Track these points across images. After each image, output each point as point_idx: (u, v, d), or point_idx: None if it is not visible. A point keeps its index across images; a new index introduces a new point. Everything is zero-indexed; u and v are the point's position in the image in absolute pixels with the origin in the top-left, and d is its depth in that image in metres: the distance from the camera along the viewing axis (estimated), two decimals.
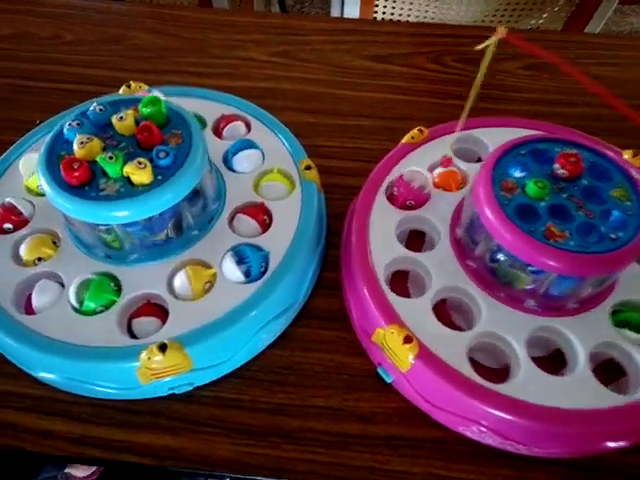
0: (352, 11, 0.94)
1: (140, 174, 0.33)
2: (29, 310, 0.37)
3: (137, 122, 0.36)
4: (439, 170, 0.43)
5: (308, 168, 0.44)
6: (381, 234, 0.40)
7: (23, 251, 0.38)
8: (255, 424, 0.36)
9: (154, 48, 0.63)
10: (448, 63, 0.63)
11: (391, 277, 0.40)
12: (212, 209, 0.40)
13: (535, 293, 0.36)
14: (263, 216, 0.41)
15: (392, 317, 0.35)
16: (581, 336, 0.35)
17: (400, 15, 0.97)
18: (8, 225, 0.40)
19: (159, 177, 0.34)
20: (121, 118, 0.35)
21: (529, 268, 0.34)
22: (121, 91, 0.48)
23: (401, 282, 0.41)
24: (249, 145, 0.44)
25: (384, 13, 0.97)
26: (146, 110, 0.36)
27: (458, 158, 0.44)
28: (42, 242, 0.38)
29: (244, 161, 0.44)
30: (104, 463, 0.35)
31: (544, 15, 0.98)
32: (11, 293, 0.36)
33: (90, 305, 0.35)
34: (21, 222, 0.40)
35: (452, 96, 0.59)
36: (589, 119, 0.56)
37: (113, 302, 0.36)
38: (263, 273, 0.38)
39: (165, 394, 0.36)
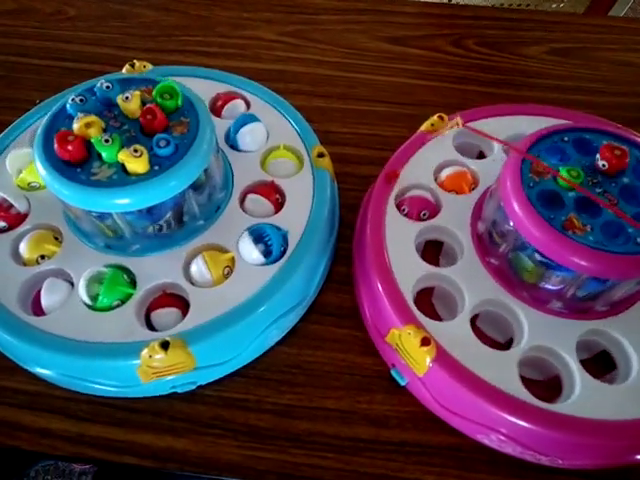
0: None
1: (134, 163, 0.31)
2: (37, 311, 0.34)
3: (144, 104, 0.33)
4: (448, 171, 0.40)
5: (321, 155, 0.41)
6: (397, 227, 0.37)
7: (23, 250, 0.36)
8: (261, 426, 0.35)
9: (160, 26, 0.60)
10: (470, 47, 0.60)
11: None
12: (220, 196, 0.38)
13: (560, 294, 0.33)
14: (275, 195, 0.39)
15: (409, 317, 0.33)
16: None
17: None
18: (2, 223, 0.37)
19: (156, 167, 0.31)
20: (127, 98, 0.33)
21: (548, 263, 0.32)
22: (124, 70, 0.45)
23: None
24: (251, 119, 0.42)
25: None
26: (161, 101, 0.33)
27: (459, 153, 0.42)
28: (43, 239, 0.36)
29: (247, 136, 0.41)
30: (102, 463, 0.33)
31: None
32: (16, 294, 0.34)
33: (104, 301, 0.33)
34: (17, 218, 0.37)
35: (474, 82, 0.56)
36: (618, 108, 0.53)
37: (129, 295, 0.34)
38: (282, 254, 0.36)
39: (167, 393, 0.34)
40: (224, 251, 0.36)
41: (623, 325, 0.33)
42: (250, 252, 0.35)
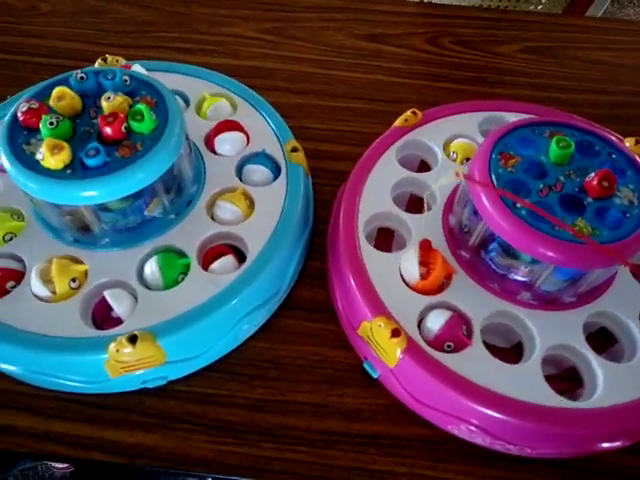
0: None
1: (49, 157, 0.30)
2: None
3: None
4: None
5: (294, 150, 0.41)
6: (370, 222, 0.38)
7: None
8: (233, 421, 0.34)
9: (136, 22, 0.59)
10: (445, 45, 0.60)
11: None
12: (190, 192, 0.38)
13: (528, 285, 0.34)
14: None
15: (379, 308, 0.33)
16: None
17: None
18: None
19: (119, 162, 0.31)
20: (109, 98, 0.33)
21: (515, 254, 0.32)
22: (96, 65, 0.45)
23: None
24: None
25: None
26: (133, 123, 0.32)
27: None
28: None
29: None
30: (70, 460, 0.32)
31: (543, 0, 0.96)
32: None
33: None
34: None
35: (448, 79, 0.57)
36: (588, 106, 0.54)
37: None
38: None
39: (137, 388, 0.34)
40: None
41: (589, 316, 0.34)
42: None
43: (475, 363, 0.32)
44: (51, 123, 0.31)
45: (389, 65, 0.58)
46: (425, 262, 0.35)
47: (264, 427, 0.34)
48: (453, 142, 0.42)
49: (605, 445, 0.32)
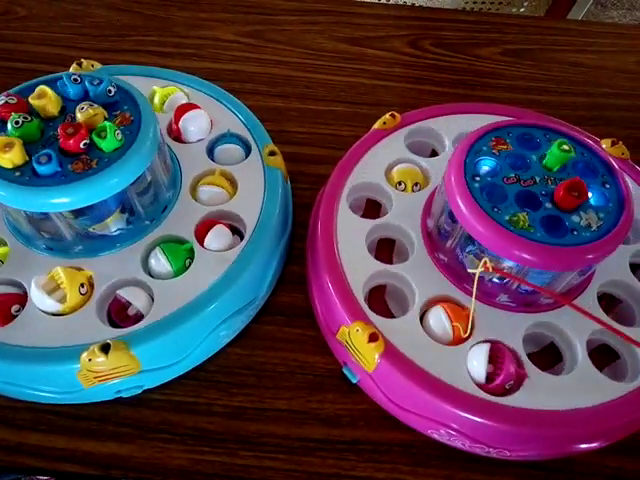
0: None
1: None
2: None
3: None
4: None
5: (272, 154, 0.41)
6: (348, 225, 0.37)
7: None
8: (211, 429, 0.34)
9: (114, 26, 0.59)
10: (426, 47, 0.60)
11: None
12: (167, 195, 0.37)
13: (506, 287, 0.34)
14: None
15: (357, 314, 0.33)
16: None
17: None
18: None
19: (96, 165, 0.31)
20: (82, 109, 0.32)
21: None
22: (71, 69, 0.44)
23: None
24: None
25: None
26: (97, 139, 0.31)
27: (412, 152, 0.42)
28: None
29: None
30: (43, 473, 0.32)
31: (525, 3, 0.97)
32: None
33: None
34: None
35: (430, 82, 0.57)
36: (567, 108, 0.54)
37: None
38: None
39: (112, 398, 0.33)
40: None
41: (567, 317, 0.34)
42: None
43: (453, 367, 0.32)
44: (17, 122, 0.30)
45: (370, 68, 0.58)
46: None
47: (242, 435, 0.34)
48: (394, 170, 0.41)
49: (583, 446, 0.32)
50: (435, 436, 0.33)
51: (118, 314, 0.34)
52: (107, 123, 0.31)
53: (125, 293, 0.33)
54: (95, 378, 0.31)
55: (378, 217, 0.39)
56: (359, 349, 0.33)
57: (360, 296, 0.34)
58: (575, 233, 0.30)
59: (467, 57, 0.60)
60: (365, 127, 0.44)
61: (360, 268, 0.36)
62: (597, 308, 0.34)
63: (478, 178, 0.32)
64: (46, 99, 0.32)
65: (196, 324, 0.33)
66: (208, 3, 0.62)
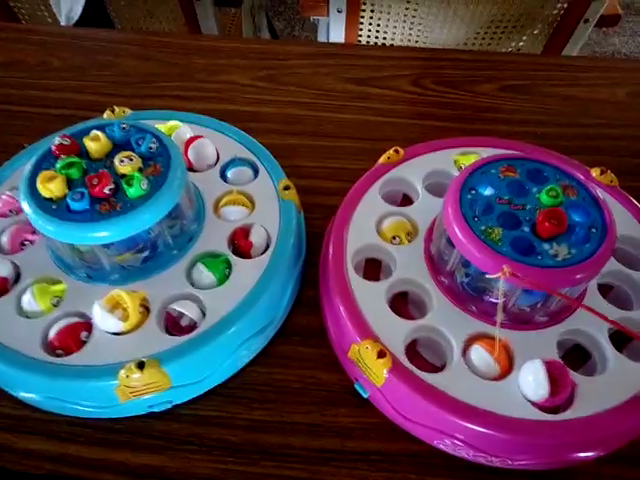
0: (338, 34, 0.97)
1: (41, 189, 0.35)
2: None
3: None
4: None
5: (287, 188, 0.45)
6: (357, 253, 0.41)
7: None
8: (234, 441, 0.37)
9: (140, 73, 0.64)
10: (427, 85, 0.65)
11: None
12: (192, 227, 0.41)
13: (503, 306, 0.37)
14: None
15: (366, 332, 0.36)
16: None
17: (384, 38, 1.00)
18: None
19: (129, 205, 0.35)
20: (122, 162, 0.36)
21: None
22: (105, 115, 0.49)
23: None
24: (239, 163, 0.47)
25: (369, 36, 1.00)
26: (125, 185, 0.36)
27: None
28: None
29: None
30: None
31: (524, 38, 1.02)
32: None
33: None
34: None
35: (431, 117, 0.61)
36: (561, 138, 0.58)
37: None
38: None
39: (144, 412, 0.37)
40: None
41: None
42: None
43: (457, 380, 0.35)
44: (64, 164, 0.35)
45: (376, 106, 0.62)
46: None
47: (263, 446, 0.37)
48: (385, 225, 0.42)
49: (582, 455, 0.34)
50: (441, 446, 0.36)
51: (173, 327, 0.38)
52: (136, 174, 0.36)
53: (177, 306, 0.37)
54: (131, 393, 0.34)
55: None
56: (369, 365, 0.36)
57: (368, 316, 0.37)
58: (539, 257, 0.33)
59: (467, 93, 0.64)
60: (372, 160, 0.48)
61: (368, 291, 0.39)
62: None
63: (473, 191, 0.36)
64: (99, 143, 0.37)
65: (220, 344, 0.36)
66: (226, 50, 0.68)
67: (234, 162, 0.47)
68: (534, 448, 0.34)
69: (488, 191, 0.37)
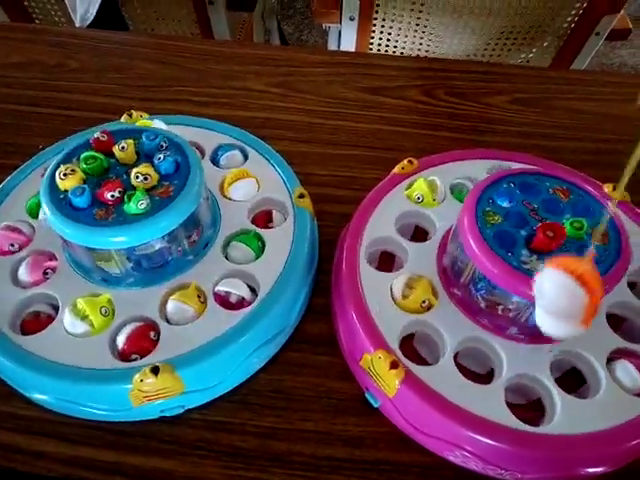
0: (349, 40, 0.97)
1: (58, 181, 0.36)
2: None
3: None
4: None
5: (302, 196, 0.45)
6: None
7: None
8: (244, 447, 0.37)
9: (156, 77, 0.65)
10: (439, 96, 0.65)
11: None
12: (207, 235, 0.42)
13: (515, 321, 0.37)
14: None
15: (379, 342, 0.37)
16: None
17: (395, 47, 1.01)
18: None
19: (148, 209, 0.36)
20: (137, 177, 0.36)
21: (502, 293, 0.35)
22: (123, 119, 0.49)
23: None
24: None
25: (379, 45, 1.01)
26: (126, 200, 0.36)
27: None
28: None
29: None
30: None
31: (533, 50, 1.02)
32: (8, 315, 0.37)
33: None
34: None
35: (443, 128, 0.61)
36: (572, 153, 0.58)
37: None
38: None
39: (156, 417, 0.37)
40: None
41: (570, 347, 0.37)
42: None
43: (468, 393, 0.35)
44: (86, 160, 0.36)
45: (389, 115, 0.63)
46: None
47: (273, 453, 0.37)
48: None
49: (590, 470, 0.34)
50: (450, 458, 0.36)
51: (225, 305, 0.39)
52: (139, 192, 0.35)
53: (224, 286, 0.39)
54: (144, 397, 0.35)
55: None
56: (381, 375, 0.36)
57: (381, 325, 0.38)
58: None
59: (478, 105, 0.64)
60: (384, 170, 0.49)
61: (382, 300, 0.39)
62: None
63: (491, 200, 0.37)
64: (127, 150, 0.37)
65: (233, 351, 0.36)
66: (241, 57, 0.68)
67: None
68: (543, 462, 0.34)
69: (507, 201, 0.37)
